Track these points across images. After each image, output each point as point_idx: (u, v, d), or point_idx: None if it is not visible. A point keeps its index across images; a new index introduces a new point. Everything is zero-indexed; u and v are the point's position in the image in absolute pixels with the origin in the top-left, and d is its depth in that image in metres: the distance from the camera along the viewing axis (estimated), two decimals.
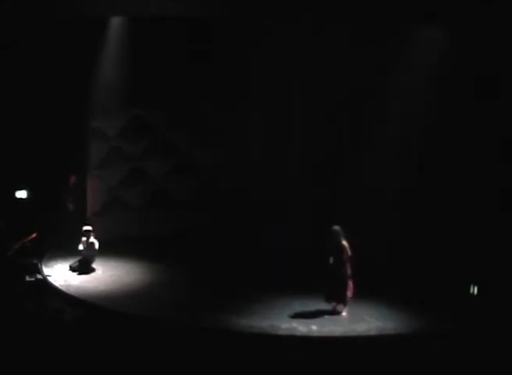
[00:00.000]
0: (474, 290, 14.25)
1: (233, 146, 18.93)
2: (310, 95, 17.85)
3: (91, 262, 15.56)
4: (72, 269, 15.45)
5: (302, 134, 18.22)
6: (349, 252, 13.20)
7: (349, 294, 13.27)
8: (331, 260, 13.29)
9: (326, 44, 17.01)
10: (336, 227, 13.40)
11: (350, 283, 13.25)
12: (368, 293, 14.00)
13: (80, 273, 15.31)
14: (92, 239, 15.52)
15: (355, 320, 13.06)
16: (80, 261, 15.51)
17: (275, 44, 17.62)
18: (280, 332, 12.48)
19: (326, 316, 13.22)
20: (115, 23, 17.24)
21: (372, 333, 12.55)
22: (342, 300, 13.31)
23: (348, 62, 16.98)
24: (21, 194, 17.16)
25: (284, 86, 17.98)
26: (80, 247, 15.59)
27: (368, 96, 17.09)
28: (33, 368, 10.42)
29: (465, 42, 15.35)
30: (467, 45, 15.32)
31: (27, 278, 14.30)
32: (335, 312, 13.35)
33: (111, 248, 16.63)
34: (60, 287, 14.41)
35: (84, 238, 15.54)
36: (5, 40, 16.21)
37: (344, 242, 13.26)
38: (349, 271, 13.20)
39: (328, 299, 13.40)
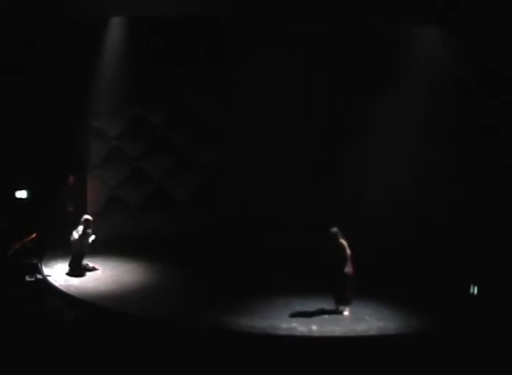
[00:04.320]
0: (474, 290, 14.25)
1: (233, 146, 18.95)
2: (311, 95, 17.87)
3: (83, 253, 15.29)
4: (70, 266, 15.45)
5: (302, 134, 18.24)
6: (348, 251, 13.20)
7: (349, 269, 13.20)
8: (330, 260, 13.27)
9: (326, 42, 17.04)
10: (334, 229, 13.39)
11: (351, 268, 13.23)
12: (369, 293, 14.00)
13: (71, 269, 15.22)
14: (89, 231, 15.40)
15: (355, 320, 13.06)
16: (72, 255, 15.33)
17: (276, 43, 17.64)
18: (280, 332, 12.48)
19: (326, 316, 13.21)
20: (115, 23, 17.25)
21: (372, 333, 12.54)
22: (347, 301, 13.32)
23: (348, 62, 17.01)
24: (21, 194, 17.17)
25: (285, 86, 17.99)
26: (75, 235, 15.29)
27: (368, 96, 17.13)
28: (34, 368, 10.43)
29: (466, 42, 15.36)
30: (469, 45, 15.34)
31: (27, 278, 14.28)
32: (335, 312, 13.35)
33: (111, 248, 16.65)
34: (60, 287, 14.39)
35: (81, 227, 15.32)
36: (5, 40, 16.21)
37: (342, 241, 13.25)
38: (350, 269, 13.17)
39: (338, 303, 13.39)
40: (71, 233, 15.42)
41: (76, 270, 15.22)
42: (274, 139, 18.43)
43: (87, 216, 15.58)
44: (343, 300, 13.32)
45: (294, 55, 17.77)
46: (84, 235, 15.34)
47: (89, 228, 15.39)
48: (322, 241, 13.34)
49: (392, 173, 16.85)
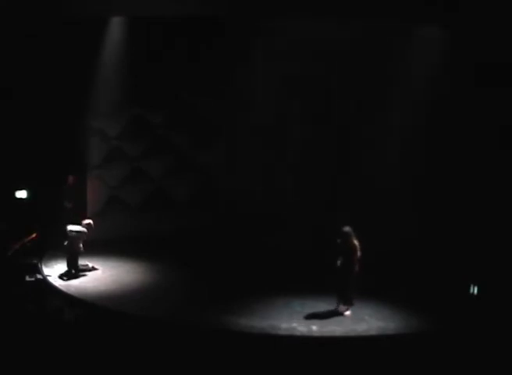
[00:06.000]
0: (474, 290, 14.24)
1: (233, 146, 18.95)
2: (310, 96, 17.86)
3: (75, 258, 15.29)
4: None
5: (302, 134, 18.23)
6: (359, 253, 13.17)
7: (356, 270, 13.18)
8: (339, 262, 13.20)
9: (325, 43, 17.04)
10: (347, 228, 13.31)
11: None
12: (369, 293, 14.00)
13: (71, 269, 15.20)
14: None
15: (355, 320, 13.06)
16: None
17: (276, 43, 17.63)
18: (280, 332, 12.48)
19: (326, 316, 13.21)
20: (115, 23, 17.25)
21: (372, 333, 12.54)
22: (349, 301, 13.32)
23: (347, 61, 17.01)
24: (21, 194, 17.16)
25: (284, 86, 17.98)
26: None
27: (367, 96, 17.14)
28: (34, 368, 10.42)
29: (466, 42, 15.37)
30: (468, 42, 15.34)
31: (27, 278, 14.28)
32: (336, 312, 13.34)
33: (111, 248, 16.64)
34: (60, 287, 14.40)
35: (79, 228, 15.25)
36: (5, 40, 16.21)
37: (355, 242, 13.21)
38: (356, 271, 13.15)
39: (341, 303, 13.37)
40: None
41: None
42: (274, 139, 18.43)
43: (87, 221, 15.35)
44: (345, 300, 13.32)
45: (293, 54, 17.75)
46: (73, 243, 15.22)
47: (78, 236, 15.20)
48: (331, 240, 13.29)
49: (393, 173, 16.87)
